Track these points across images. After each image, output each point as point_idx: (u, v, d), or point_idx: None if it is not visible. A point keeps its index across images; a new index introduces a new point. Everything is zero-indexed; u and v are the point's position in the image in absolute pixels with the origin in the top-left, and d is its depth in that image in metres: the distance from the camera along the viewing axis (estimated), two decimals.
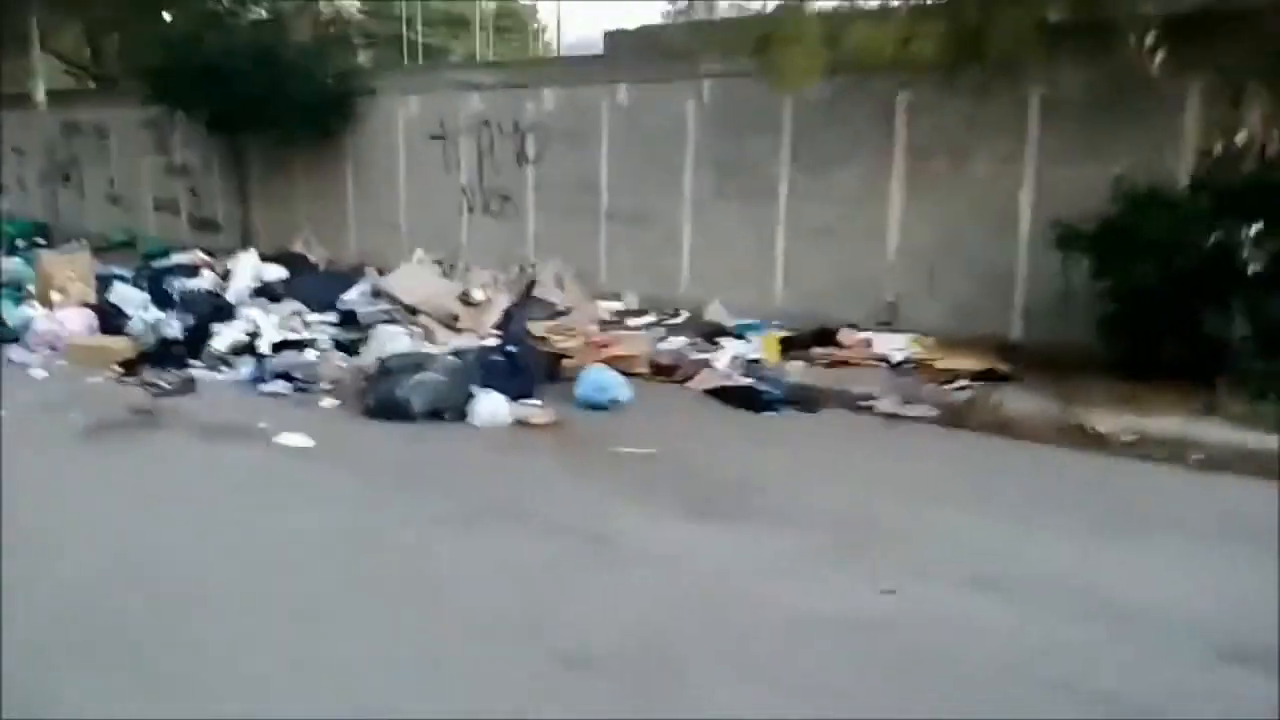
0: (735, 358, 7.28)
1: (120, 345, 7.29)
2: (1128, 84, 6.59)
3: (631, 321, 8.77)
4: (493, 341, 6.77)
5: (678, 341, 7.77)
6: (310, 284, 8.66)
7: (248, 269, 9.16)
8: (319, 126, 11.32)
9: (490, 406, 5.72)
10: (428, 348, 6.67)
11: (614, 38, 15.27)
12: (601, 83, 9.70)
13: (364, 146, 11.89)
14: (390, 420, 5.76)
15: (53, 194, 15.79)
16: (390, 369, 5.90)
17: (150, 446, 5.37)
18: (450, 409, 5.81)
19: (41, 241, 14.13)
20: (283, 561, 3.82)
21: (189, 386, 6.48)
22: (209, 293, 8.43)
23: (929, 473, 5.11)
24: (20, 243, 13.67)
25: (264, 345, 6.97)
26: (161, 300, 8.53)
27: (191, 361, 7.09)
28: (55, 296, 8.64)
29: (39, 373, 6.93)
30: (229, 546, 3.96)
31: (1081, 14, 5.98)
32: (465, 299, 7.28)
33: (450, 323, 7.14)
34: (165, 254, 13.40)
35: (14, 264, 11.77)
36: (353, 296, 8.35)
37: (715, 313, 8.77)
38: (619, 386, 6.20)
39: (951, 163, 7.73)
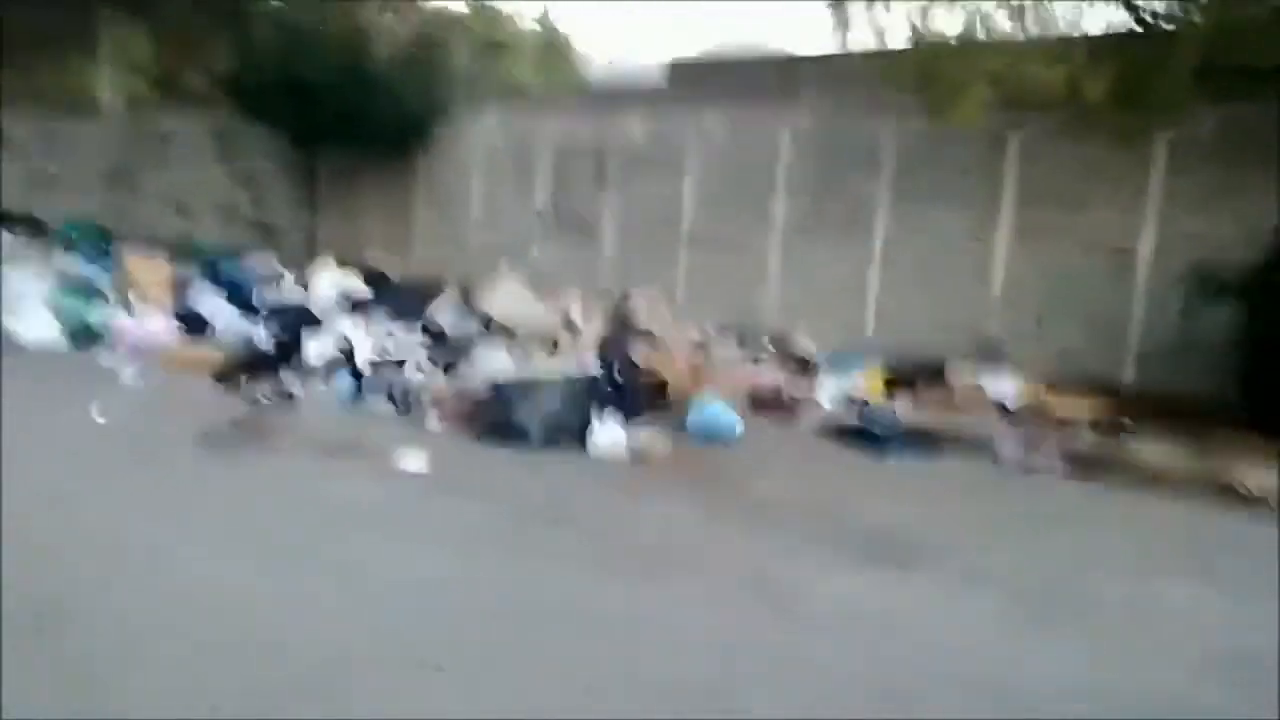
0: (837, 393, 7.07)
1: (213, 354, 7.14)
2: (1262, 129, 6.41)
3: (715, 351, 8.57)
4: (594, 367, 6.57)
5: (772, 374, 7.56)
6: (394, 298, 8.51)
7: (327, 280, 9.04)
8: (400, 145, 11.23)
9: (610, 436, 5.52)
10: (529, 371, 6.48)
11: (677, 68, 15.27)
12: (690, 110, 9.59)
13: (436, 163, 11.80)
14: (504, 445, 5.57)
15: (118, 196, 15.79)
16: (504, 392, 5.71)
17: (264, 464, 5.18)
18: (566, 436, 5.62)
19: (103, 243, 14.15)
20: (430, 608, 3.55)
21: (290, 401, 6.31)
22: (295, 304, 8.29)
23: (1095, 530, 4.86)
24: (82, 243, 13.69)
25: (361, 361, 6.80)
26: (244, 308, 8.43)
27: (285, 374, 6.93)
28: (136, 299, 8.54)
29: (132, 379, 6.78)
30: (368, 592, 3.69)
31: (1228, 58, 5.79)
32: (566, 322, 7.09)
33: (550, 346, 6.96)
34: (224, 259, 13.50)
35: (81, 264, 11.78)
36: (440, 313, 8.20)
37: (804, 345, 8.58)
38: (732, 419, 5.99)
39: (1064, 205, 7.53)
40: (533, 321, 7.12)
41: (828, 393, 7.03)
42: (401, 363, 6.83)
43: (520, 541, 4.28)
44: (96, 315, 8.02)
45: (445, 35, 11.18)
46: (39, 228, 14.40)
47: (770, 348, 8.78)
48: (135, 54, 17.84)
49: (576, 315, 7.22)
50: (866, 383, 7.23)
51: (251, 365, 6.99)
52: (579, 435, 5.63)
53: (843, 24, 6.75)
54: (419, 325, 7.99)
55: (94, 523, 4.20)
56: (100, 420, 5.68)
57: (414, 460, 5.19)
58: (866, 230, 8.50)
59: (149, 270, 8.79)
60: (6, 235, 13.47)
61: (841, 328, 8.58)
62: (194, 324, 8.10)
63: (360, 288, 8.92)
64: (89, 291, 9.38)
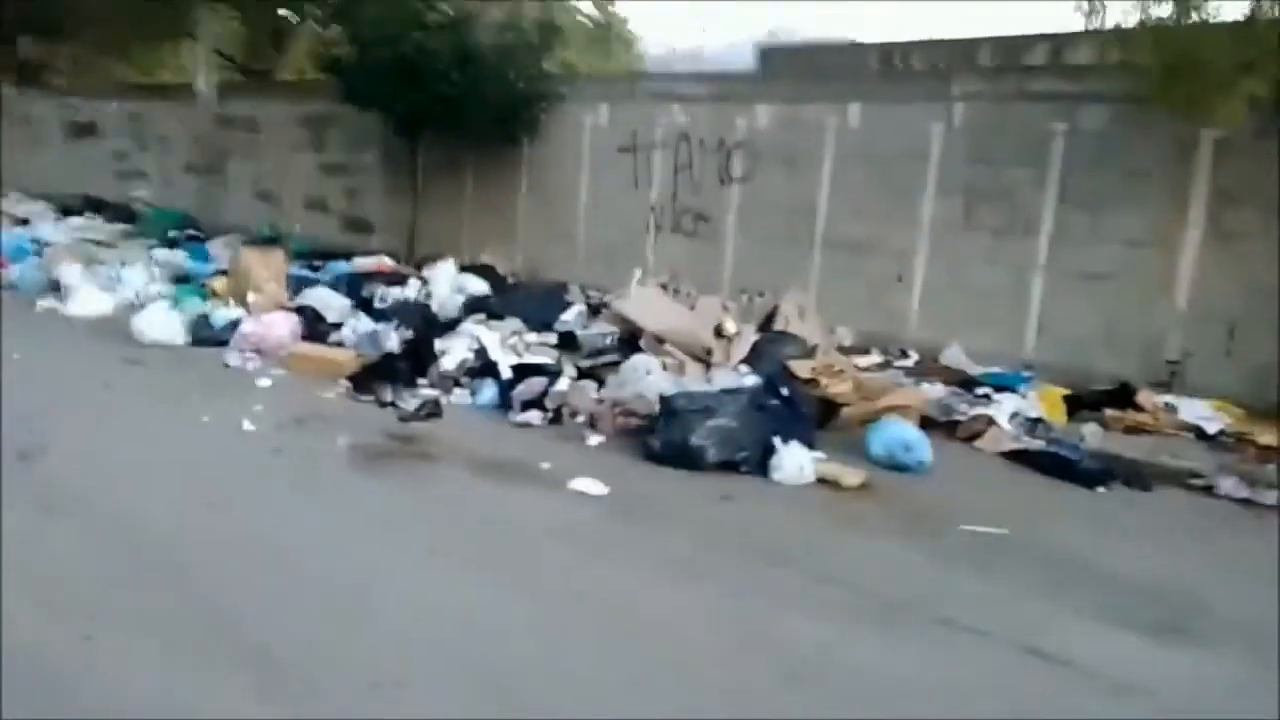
0: (1015, 414, 6.46)
1: (345, 357, 6.76)
2: None
3: (857, 361, 7.99)
4: (753, 381, 6.04)
5: (938, 391, 6.97)
6: (519, 300, 8.07)
7: (447, 279, 8.64)
8: (508, 132, 10.79)
9: (796, 461, 5.00)
10: (693, 385, 5.98)
11: (769, 54, 14.67)
12: (830, 100, 8.99)
13: (542, 154, 11.35)
14: (677, 468, 5.08)
15: (205, 185, 15.67)
16: (678, 410, 5.21)
17: (430, 483, 4.76)
18: (745, 459, 5.11)
19: (194, 232, 13.97)
20: (674, 650, 3.16)
21: (436, 410, 5.89)
22: (418, 304, 7.90)
23: None
24: (173, 233, 13.51)
25: (504, 368, 6.36)
26: (362, 307, 8.05)
27: (420, 380, 6.53)
28: (252, 297, 8.22)
29: (264, 381, 6.42)
30: (604, 626, 3.31)
31: None
32: (718, 330, 6.58)
33: (704, 356, 6.45)
34: (315, 253, 13.22)
35: (175, 256, 11.56)
36: (570, 317, 7.75)
37: (954, 357, 7.97)
38: (923, 445, 5.44)
39: (1265, 209, 6.82)
40: (684, 330, 6.60)
41: (1004, 414, 6.42)
42: (544, 370, 6.39)
43: (742, 580, 3.80)
44: (218, 313, 7.69)
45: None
46: (129, 215, 14.27)
47: (911, 359, 8.22)
48: (226, 40, 17.76)
49: (730, 324, 6.69)
50: (1043, 403, 6.61)
51: (386, 369, 6.59)
52: (758, 459, 5.12)
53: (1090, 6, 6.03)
54: (549, 330, 7.58)
55: (271, 541, 3.82)
56: (250, 428, 5.32)
57: (589, 484, 4.73)
58: (1029, 232, 7.84)
59: (264, 265, 8.46)
60: (102, 223, 13.38)
61: (998, 339, 7.96)
62: (314, 323, 7.75)
63: (480, 287, 8.50)
64: (198, 287, 9.12)
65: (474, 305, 7.89)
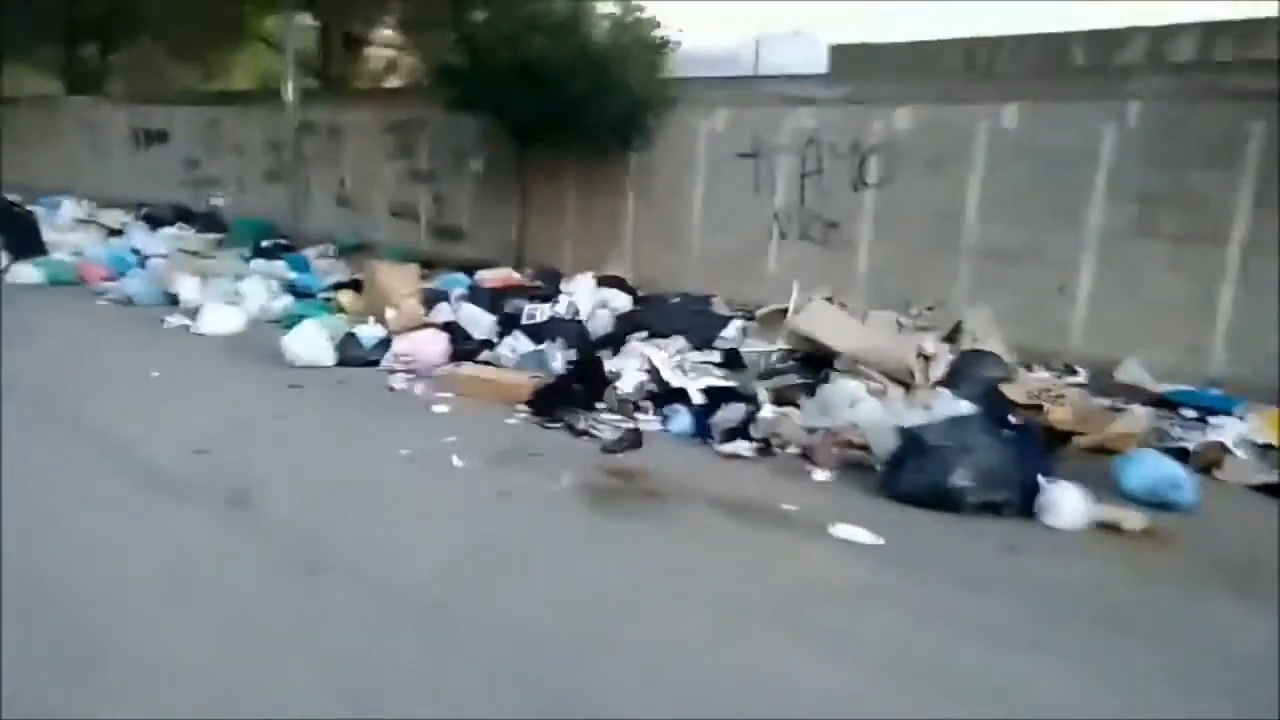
0: (1240, 440, 6.01)
1: (520, 380, 6.39)
2: None
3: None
4: (967, 408, 5.62)
5: (1140, 412, 6.52)
6: (668, 315, 7.67)
7: (589, 293, 8.28)
8: (624, 138, 10.41)
9: (1070, 502, 4.58)
10: (898, 411, 5.58)
11: (843, 51, 14.19)
12: (981, 100, 8.56)
13: (651, 160, 10.96)
14: (930, 509, 4.68)
15: (285, 193, 15.40)
16: (930, 445, 4.80)
17: (681, 528, 4.37)
18: (1007, 501, 4.70)
19: (283, 241, 13.69)
20: None
21: (637, 441, 5.51)
22: (572, 321, 7.53)
23: None
24: (265, 243, 13.24)
25: (693, 393, 5.98)
26: (505, 325, 7.70)
27: (596, 405, 6.16)
28: (390, 313, 7.89)
29: (439, 407, 6.07)
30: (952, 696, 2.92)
31: None
32: (919, 351, 6.16)
33: (906, 378, 6.05)
34: (408, 261, 12.91)
35: (274, 267, 11.26)
36: (731, 334, 7.36)
37: (1131, 373, 7.51)
38: (1191, 482, 4.99)
39: None
40: (881, 349, 6.19)
41: (1229, 439, 5.97)
42: (738, 394, 5.99)
43: (1096, 653, 3.37)
44: (365, 332, 7.35)
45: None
46: (220, 224, 14.01)
47: (1081, 375, 7.77)
48: (305, 44, 17.51)
49: (930, 344, 6.27)
50: (1270, 427, 6.15)
51: (562, 393, 6.23)
52: (1019, 499, 4.71)
53: None
54: (709, 347, 7.19)
55: (571, 602, 3.46)
56: (459, 464, 4.96)
57: (856, 531, 4.34)
58: (1217, 240, 7.38)
59: (400, 280, 8.13)
60: (195, 233, 13.12)
61: (1177, 354, 7.50)
62: (462, 341, 7.40)
63: (623, 301, 8.12)
64: (322, 302, 8.81)
65: (627, 321, 7.51)
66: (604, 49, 9.98)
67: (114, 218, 13.06)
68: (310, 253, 12.97)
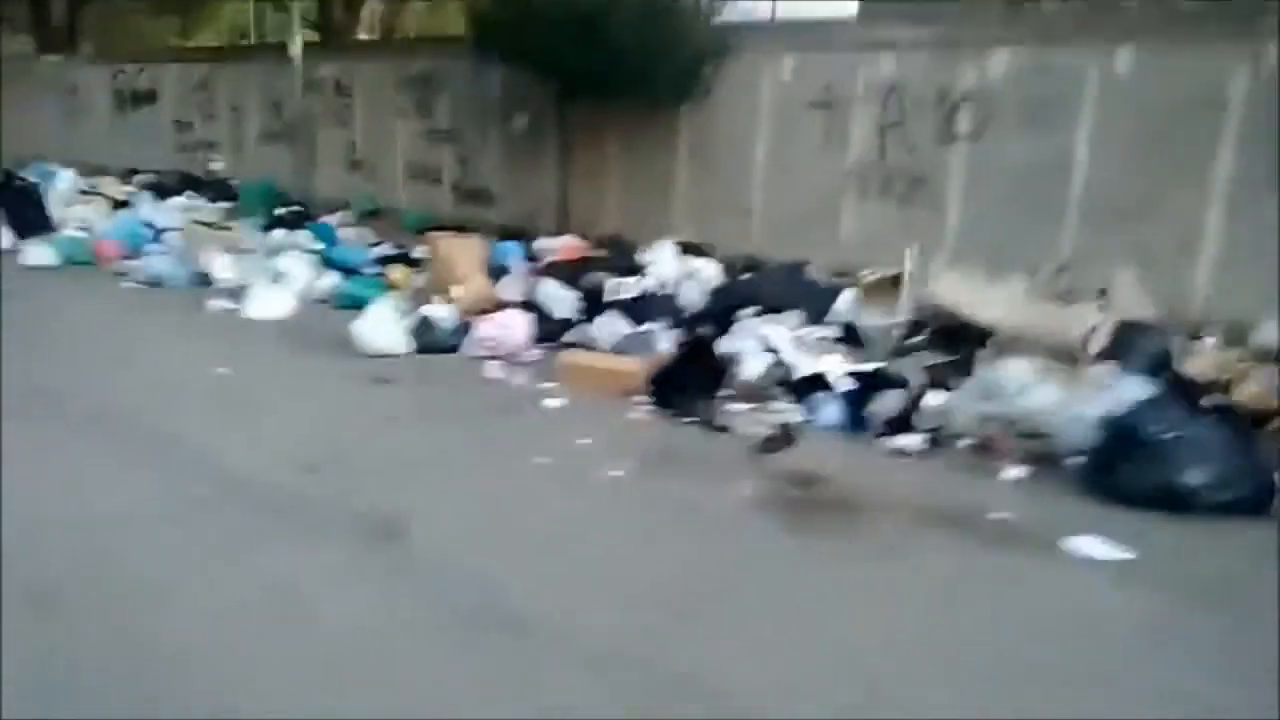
0: None
1: (631, 367, 5.71)
2: None
3: None
4: (1150, 390, 5.02)
5: None
6: (771, 287, 6.98)
7: (672, 263, 7.57)
8: (683, 91, 9.60)
9: None
10: (1071, 394, 4.97)
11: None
12: (1091, 43, 7.85)
13: (707, 114, 10.15)
14: (1152, 508, 4.10)
15: (289, 156, 14.41)
16: (1145, 436, 4.21)
17: (898, 550, 3.75)
18: (1240, 500, 4.13)
19: (297, 208, 12.76)
20: None
21: (791, 437, 4.87)
22: (664, 297, 6.83)
23: None
24: (280, 211, 12.33)
25: (836, 378, 5.33)
26: (589, 302, 6.98)
27: (720, 394, 5.50)
28: (457, 291, 7.15)
29: (550, 401, 5.38)
30: None
31: None
32: (1085, 329, 5.55)
33: (1068, 356, 5.43)
34: (433, 227, 12.10)
35: (298, 238, 10.44)
36: (843, 306, 6.71)
37: (1270, 337, 6.96)
38: None
39: None
40: (1042, 325, 5.57)
41: None
42: (888, 379, 5.36)
43: None
44: (440, 314, 6.61)
45: None
46: (231, 193, 13.06)
47: (1208, 341, 7.21)
48: None
49: (1093, 315, 5.66)
50: None
51: (680, 381, 5.56)
52: (1255, 497, 4.14)
53: None
54: (821, 322, 6.53)
55: (817, 664, 2.83)
56: (616, 474, 4.31)
57: (1093, 542, 3.75)
58: None
59: (465, 253, 7.37)
60: (205, 202, 12.20)
61: None
62: (546, 322, 6.70)
63: (712, 272, 7.41)
64: (373, 279, 8.05)
65: (726, 295, 6.81)
66: None
67: (118, 188, 12.07)
68: (330, 220, 12.10)
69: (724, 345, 5.95)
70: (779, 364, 5.64)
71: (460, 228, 12.19)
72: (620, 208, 11.10)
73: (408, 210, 13.12)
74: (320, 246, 10.22)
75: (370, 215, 13.09)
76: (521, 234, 10.95)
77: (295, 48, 13.43)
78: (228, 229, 11.04)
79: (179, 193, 12.16)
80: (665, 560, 3.57)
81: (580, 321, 6.81)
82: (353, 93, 14.10)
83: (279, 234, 10.83)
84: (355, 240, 10.95)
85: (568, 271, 7.37)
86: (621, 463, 4.41)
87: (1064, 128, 8.02)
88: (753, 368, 5.60)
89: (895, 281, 7.23)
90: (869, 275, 7.19)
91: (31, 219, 9.38)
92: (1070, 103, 7.98)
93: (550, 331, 6.69)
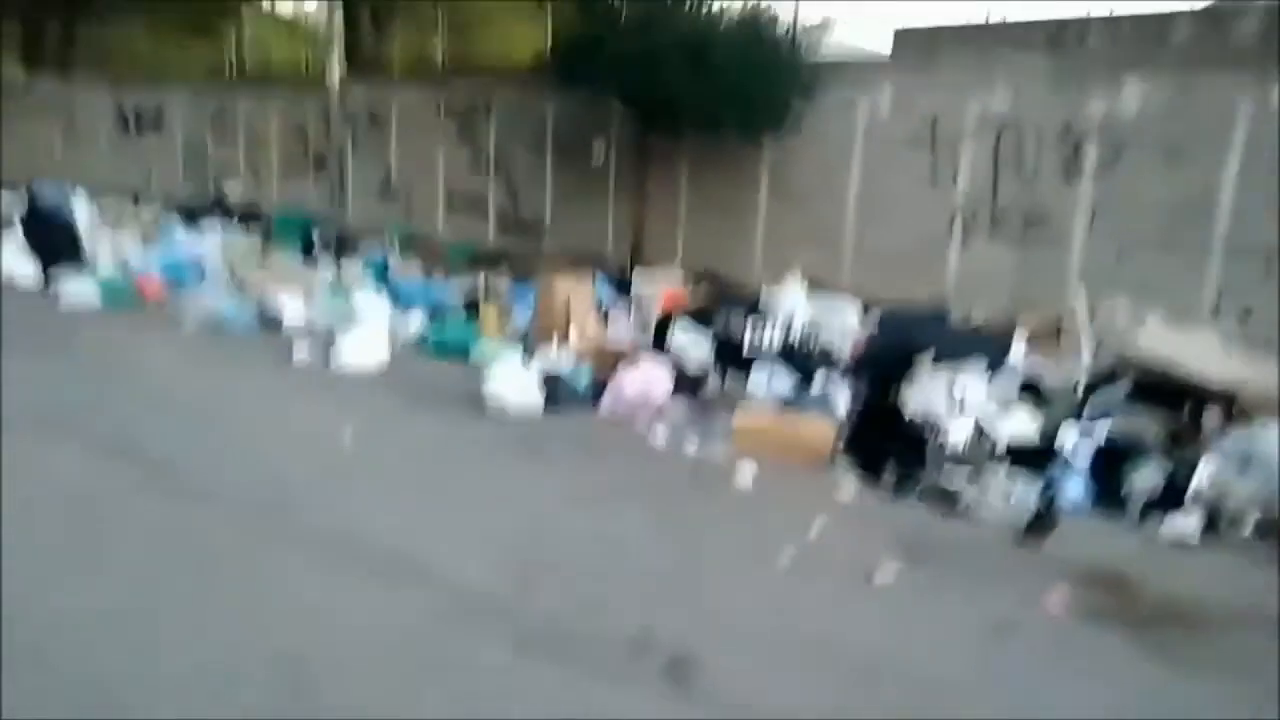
0: None
1: (821, 431, 5.00)
2: None
3: None
4: None
5: None
6: (936, 334, 6.26)
7: (804, 305, 6.89)
8: (773, 122, 8.97)
9: None
10: None
11: (905, 37, 12.98)
12: (1241, 75, 7.36)
13: (793, 146, 9.56)
14: None
15: (314, 184, 13.60)
16: None
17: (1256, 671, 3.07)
18: None
19: (336, 239, 11.92)
20: None
21: (1052, 520, 4.18)
22: (819, 347, 6.14)
23: None
24: (317, 242, 11.52)
25: (1072, 448, 4.66)
26: (724, 350, 6.29)
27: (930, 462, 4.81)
28: (574, 337, 6.42)
29: (743, 477, 4.63)
30: None
31: None
32: None
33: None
34: (481, 260, 11.39)
35: (352, 272, 9.67)
36: (1019, 360, 6.06)
37: None
38: None
39: None
40: (1259, 382, 4.96)
41: None
42: (1135, 446, 4.69)
43: None
44: (576, 374, 5.86)
45: None
46: (258, 221, 12.20)
47: None
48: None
49: None
50: None
51: (879, 449, 4.87)
52: None
53: None
54: (994, 373, 5.87)
55: None
56: (885, 580, 3.57)
57: None
58: None
59: (581, 293, 6.64)
60: (241, 232, 11.35)
61: None
62: (683, 374, 5.97)
63: (851, 318, 6.74)
64: (468, 322, 7.29)
65: (889, 344, 6.12)
66: (765, 24, 8.56)
67: (144, 214, 11.16)
68: (373, 250, 11.31)
69: (911, 404, 5.27)
70: (983, 429, 4.96)
71: (505, 257, 11.58)
72: (689, 240, 10.45)
73: (452, 241, 12.38)
74: (378, 282, 9.48)
75: (408, 246, 12.33)
76: (577, 264, 10.30)
77: (333, 76, 12.66)
78: (273, 263, 10.26)
79: (207, 220, 11.27)
80: (1031, 705, 2.84)
81: (718, 372, 6.13)
82: (387, 121, 13.38)
83: (341, 270, 10.05)
84: (405, 273, 10.19)
85: (691, 315, 6.67)
86: (876, 559, 3.69)
87: (1207, 164, 7.50)
88: (959, 433, 4.92)
89: (1057, 327, 6.65)
90: (1033, 321, 6.59)
91: (61, 248, 8.48)
92: (1215, 137, 7.48)
93: (687, 384, 5.97)
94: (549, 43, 9.81)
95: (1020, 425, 5.16)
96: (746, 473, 4.62)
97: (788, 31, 8.86)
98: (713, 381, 6.12)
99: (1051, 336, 6.38)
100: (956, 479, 4.63)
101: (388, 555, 3.58)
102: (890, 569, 3.63)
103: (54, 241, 8.46)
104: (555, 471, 4.63)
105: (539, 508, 4.15)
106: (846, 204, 9.42)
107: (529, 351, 6.42)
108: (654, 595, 3.38)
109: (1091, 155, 8.05)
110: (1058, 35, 8.69)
